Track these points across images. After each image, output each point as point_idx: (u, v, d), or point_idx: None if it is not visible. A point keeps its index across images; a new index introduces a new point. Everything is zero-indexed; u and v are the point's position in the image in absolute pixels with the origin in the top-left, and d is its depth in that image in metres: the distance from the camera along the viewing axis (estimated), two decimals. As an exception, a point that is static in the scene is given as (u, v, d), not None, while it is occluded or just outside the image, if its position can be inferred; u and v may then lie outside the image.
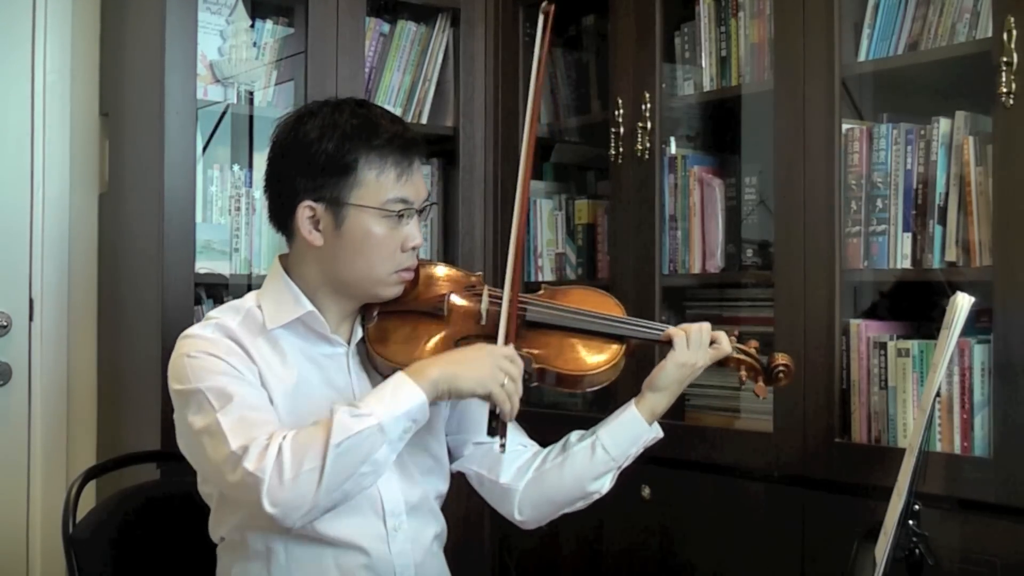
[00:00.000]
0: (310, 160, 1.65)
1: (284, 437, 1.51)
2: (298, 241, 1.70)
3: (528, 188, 1.74)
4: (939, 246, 2.02)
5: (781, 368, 1.78)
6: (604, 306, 1.81)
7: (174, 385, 1.62)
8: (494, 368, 1.58)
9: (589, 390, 1.77)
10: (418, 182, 1.70)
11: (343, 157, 1.64)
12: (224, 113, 2.64)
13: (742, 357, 1.78)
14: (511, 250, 1.71)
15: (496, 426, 1.61)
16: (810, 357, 2.12)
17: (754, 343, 1.81)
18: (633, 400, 1.78)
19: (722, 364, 1.79)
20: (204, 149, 2.60)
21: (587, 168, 2.92)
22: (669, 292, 2.49)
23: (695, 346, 1.74)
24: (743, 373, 1.79)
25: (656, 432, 1.78)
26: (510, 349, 1.64)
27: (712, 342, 1.76)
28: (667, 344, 1.76)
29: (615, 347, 1.75)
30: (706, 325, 1.77)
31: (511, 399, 1.59)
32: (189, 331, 1.66)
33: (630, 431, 1.76)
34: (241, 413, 1.55)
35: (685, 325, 1.77)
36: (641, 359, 1.86)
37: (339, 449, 1.48)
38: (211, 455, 1.55)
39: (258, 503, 1.48)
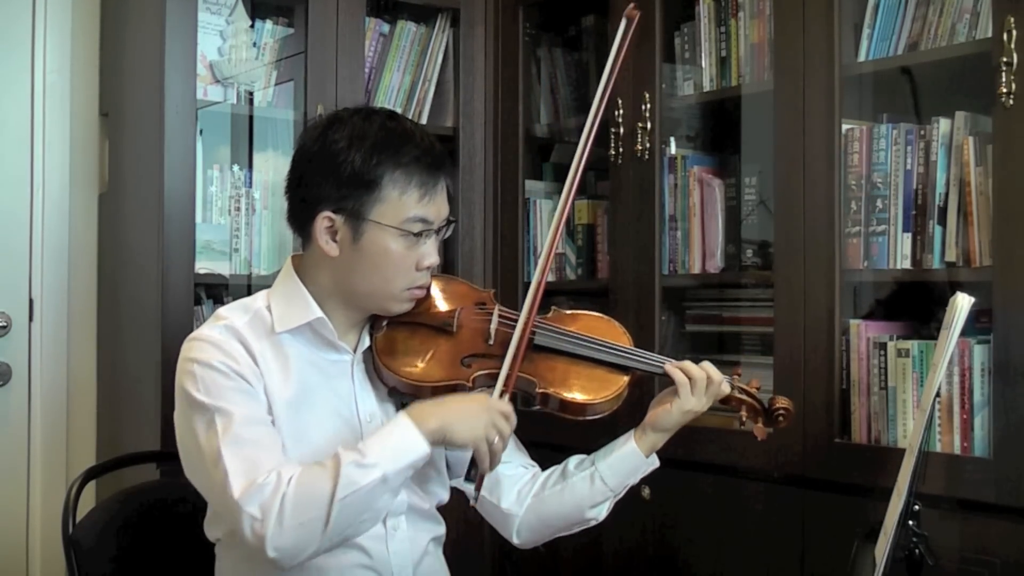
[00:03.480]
0: (335, 170, 1.64)
1: (288, 482, 1.50)
2: (314, 247, 1.68)
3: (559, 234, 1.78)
4: (939, 246, 2.02)
5: (781, 412, 1.78)
6: (611, 334, 1.81)
7: (186, 386, 1.60)
8: (488, 425, 1.59)
9: (591, 418, 1.75)
10: (440, 203, 1.69)
11: (368, 172, 1.63)
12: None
13: (743, 397, 1.78)
14: (529, 297, 1.71)
15: (474, 475, 1.63)
16: (810, 357, 2.12)
17: (755, 382, 1.81)
18: (633, 433, 1.79)
19: (723, 403, 1.79)
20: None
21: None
22: (669, 292, 2.49)
23: (699, 393, 1.74)
24: (743, 413, 1.78)
25: (653, 463, 1.80)
26: (507, 405, 1.64)
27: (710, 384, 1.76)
28: (670, 379, 1.76)
29: (620, 378, 1.75)
30: (712, 371, 1.76)
31: (494, 457, 1.61)
32: (197, 333, 1.65)
33: (628, 464, 1.78)
34: (245, 450, 1.54)
35: (689, 369, 1.75)
36: (641, 385, 1.85)
37: (344, 502, 1.49)
38: (214, 482, 1.55)
39: (260, 548, 1.50)
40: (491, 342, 1.73)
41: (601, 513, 1.80)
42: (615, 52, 1.64)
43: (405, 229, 1.64)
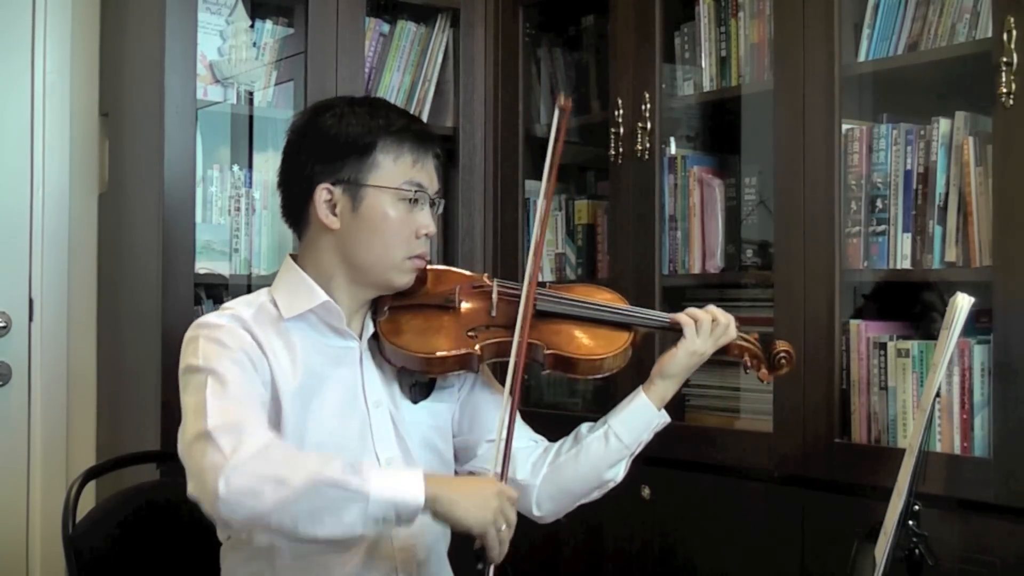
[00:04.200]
0: (329, 144, 1.69)
1: (281, 444, 1.50)
2: (312, 229, 1.71)
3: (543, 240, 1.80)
4: (939, 246, 2.02)
5: (783, 354, 1.80)
6: (609, 299, 1.85)
7: (184, 360, 1.61)
8: (496, 511, 1.51)
9: (598, 376, 1.79)
10: (431, 172, 1.74)
11: (362, 139, 1.68)
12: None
13: (744, 344, 1.81)
14: (521, 308, 1.72)
15: (482, 568, 1.55)
16: (810, 357, 2.12)
17: (755, 335, 1.84)
18: (641, 387, 1.80)
19: (726, 351, 1.81)
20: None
21: (587, 168, 2.92)
22: (669, 292, 2.49)
23: (705, 333, 1.77)
24: (746, 359, 1.82)
25: (665, 418, 1.80)
26: (511, 491, 1.58)
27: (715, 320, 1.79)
28: (674, 331, 1.78)
29: (623, 334, 1.79)
30: (713, 310, 1.79)
31: (501, 546, 1.53)
32: (204, 319, 1.66)
33: (641, 418, 1.78)
34: (230, 404, 1.52)
35: (691, 311, 1.79)
36: (641, 351, 1.86)
37: (317, 486, 1.43)
38: (188, 426, 1.51)
39: (211, 484, 1.42)
40: (494, 313, 1.77)
41: (619, 474, 1.79)
42: (552, 142, 1.71)
43: (402, 190, 1.68)
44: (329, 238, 1.70)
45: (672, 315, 1.80)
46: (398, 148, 1.69)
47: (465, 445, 1.85)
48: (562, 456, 1.80)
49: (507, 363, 1.70)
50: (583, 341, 1.77)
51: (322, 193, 1.68)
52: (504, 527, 1.53)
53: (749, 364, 1.82)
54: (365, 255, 1.69)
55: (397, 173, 1.69)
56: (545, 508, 1.81)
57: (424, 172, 1.72)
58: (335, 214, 1.68)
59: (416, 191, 1.69)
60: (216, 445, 1.44)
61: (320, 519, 1.45)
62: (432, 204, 1.73)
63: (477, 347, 1.71)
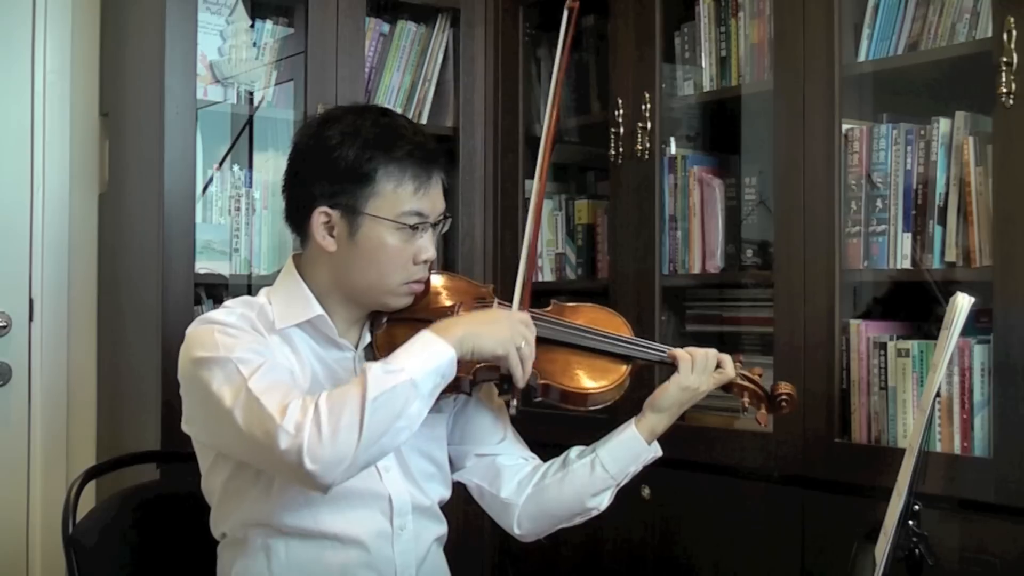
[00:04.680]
0: (329, 166, 1.65)
1: (319, 396, 1.49)
2: (311, 244, 1.70)
3: (546, 173, 1.82)
4: (939, 246, 2.02)
5: (784, 396, 1.77)
6: (612, 325, 1.81)
7: (197, 352, 1.57)
8: (513, 331, 1.59)
9: (592, 408, 1.74)
10: (435, 196, 1.69)
11: (362, 165, 1.64)
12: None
13: (746, 384, 1.78)
14: (530, 215, 1.73)
15: (508, 388, 1.65)
16: (810, 357, 2.12)
17: (758, 370, 1.81)
18: (633, 419, 1.78)
19: (726, 389, 1.78)
20: (227, 154, 2.63)
21: (587, 168, 2.92)
22: (669, 292, 2.49)
23: (699, 370, 1.74)
24: (746, 399, 1.78)
25: (655, 451, 1.79)
26: (526, 315, 1.66)
27: (717, 365, 1.76)
28: (672, 366, 1.75)
29: (621, 367, 1.75)
30: (712, 351, 1.77)
31: (524, 364, 1.61)
32: (209, 315, 1.64)
33: (629, 450, 1.76)
34: (271, 378, 1.53)
35: (692, 349, 1.76)
36: (640, 377, 1.84)
37: (375, 404, 1.46)
38: (244, 423, 1.50)
39: (298, 463, 1.44)
40: None
41: (602, 503, 1.77)
42: (561, 44, 1.72)
43: (401, 222, 1.65)
44: (325, 257, 1.68)
45: (670, 349, 1.77)
46: (400, 175, 1.65)
47: (456, 454, 1.84)
48: (547, 479, 1.79)
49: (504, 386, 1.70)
50: (579, 372, 1.73)
51: (319, 216, 1.66)
52: (524, 345, 1.60)
53: (748, 404, 1.78)
54: (360, 280, 1.68)
55: (397, 202, 1.65)
56: (525, 528, 1.80)
57: (426, 199, 1.67)
58: (332, 236, 1.66)
59: (416, 221, 1.66)
60: (285, 430, 1.46)
61: (397, 429, 1.50)
62: (436, 225, 1.70)
63: (471, 371, 1.66)
